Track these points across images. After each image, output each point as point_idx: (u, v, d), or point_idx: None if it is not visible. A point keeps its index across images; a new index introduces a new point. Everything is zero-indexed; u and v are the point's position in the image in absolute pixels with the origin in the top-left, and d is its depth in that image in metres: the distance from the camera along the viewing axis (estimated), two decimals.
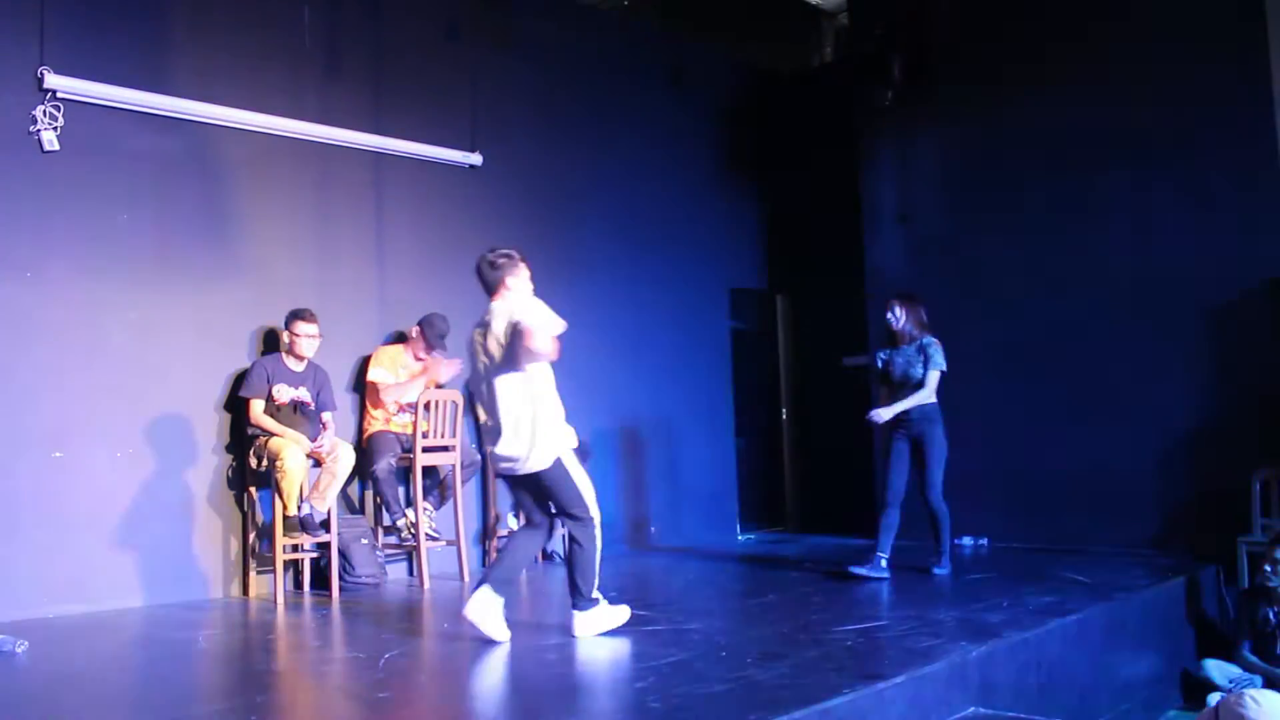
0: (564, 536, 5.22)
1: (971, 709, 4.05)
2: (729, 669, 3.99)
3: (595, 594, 4.69)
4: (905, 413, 6.42)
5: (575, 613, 4.69)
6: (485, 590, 4.59)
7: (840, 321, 9.34)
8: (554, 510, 4.79)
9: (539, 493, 4.78)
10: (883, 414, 6.45)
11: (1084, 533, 7.34)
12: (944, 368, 6.45)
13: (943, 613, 5.08)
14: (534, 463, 4.63)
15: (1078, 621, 4.95)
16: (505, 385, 4.66)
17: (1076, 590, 5.62)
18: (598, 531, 4.72)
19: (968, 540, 7.76)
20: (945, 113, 8.39)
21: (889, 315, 6.61)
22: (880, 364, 6.67)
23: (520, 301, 4.73)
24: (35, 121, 5.65)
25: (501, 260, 4.80)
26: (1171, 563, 6.55)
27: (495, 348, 4.67)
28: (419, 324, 6.86)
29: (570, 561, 4.74)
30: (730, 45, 9.73)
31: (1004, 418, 7.83)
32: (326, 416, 6.35)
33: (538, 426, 4.63)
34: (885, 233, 8.78)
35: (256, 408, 6.10)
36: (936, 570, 6.42)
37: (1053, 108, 7.78)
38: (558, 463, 4.67)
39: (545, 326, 4.58)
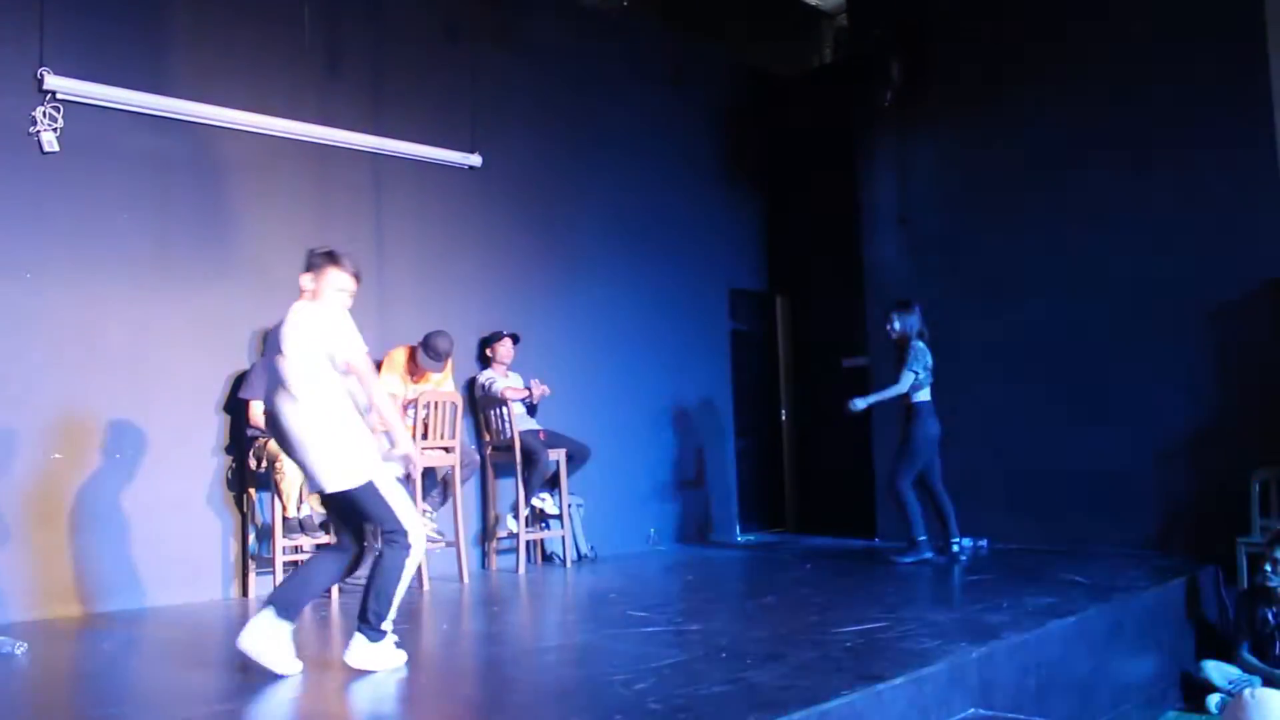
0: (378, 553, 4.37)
1: (971, 710, 4.05)
2: (729, 670, 3.99)
3: (387, 626, 4.17)
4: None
5: (358, 634, 4.15)
6: (267, 615, 4.07)
7: (840, 323, 9.34)
8: (381, 531, 4.20)
9: (348, 513, 4.25)
10: (857, 404, 7.14)
11: (1083, 533, 7.34)
12: (916, 370, 7.01)
13: (942, 614, 5.08)
14: (338, 481, 4.12)
15: (1077, 622, 4.94)
16: (305, 396, 4.14)
17: (1076, 591, 5.62)
18: (412, 560, 4.17)
19: (967, 541, 7.73)
20: (944, 113, 8.40)
21: (887, 326, 7.24)
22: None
23: (330, 317, 4.21)
24: (35, 123, 5.65)
25: (317, 260, 4.35)
26: (1171, 563, 6.54)
27: (296, 355, 4.14)
28: (419, 343, 6.83)
29: (371, 580, 4.17)
30: (730, 46, 9.73)
31: (1004, 419, 7.83)
32: None
33: (341, 442, 4.13)
34: (885, 234, 8.78)
35: (256, 409, 6.10)
36: (898, 560, 6.96)
37: (1052, 108, 7.78)
38: (367, 483, 4.12)
39: (380, 382, 4.29)
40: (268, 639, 4.04)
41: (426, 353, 6.75)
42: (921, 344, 7.09)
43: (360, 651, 4.13)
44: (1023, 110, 7.95)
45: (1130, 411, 7.26)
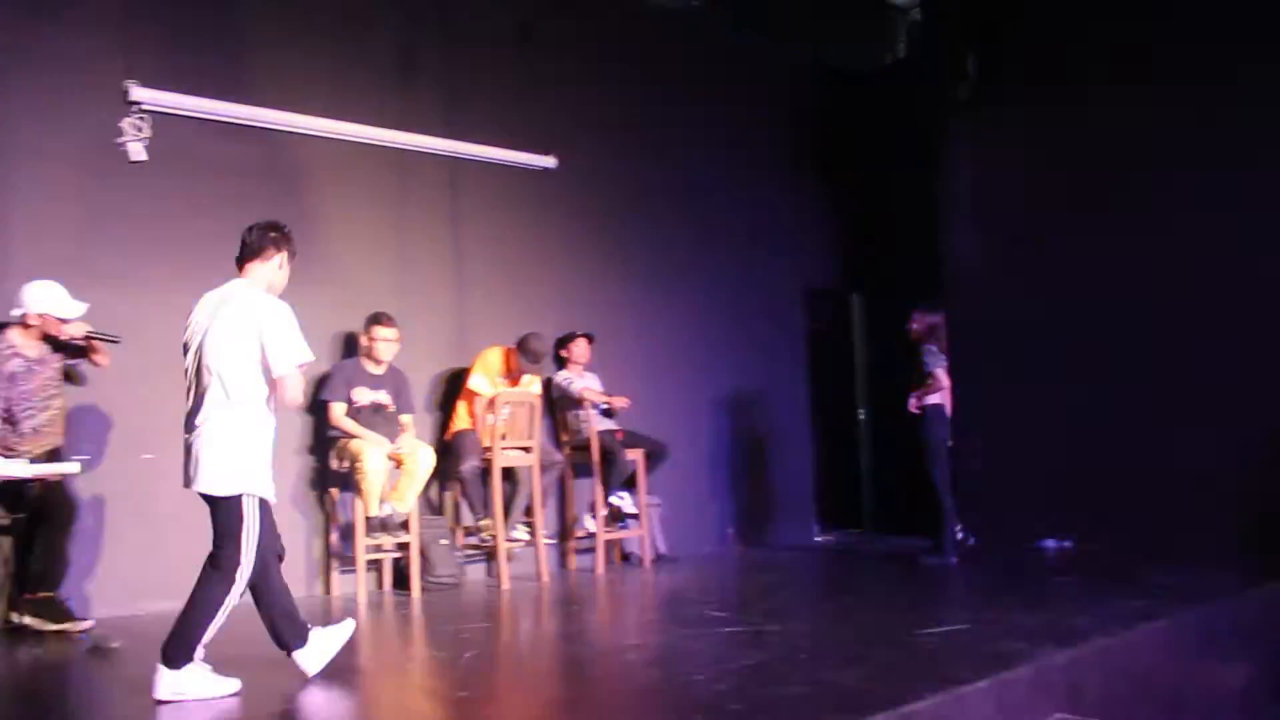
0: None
1: (1057, 715, 3.96)
2: (809, 671, 3.96)
3: (192, 652, 3.77)
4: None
5: (161, 667, 3.74)
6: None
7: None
8: (221, 542, 3.87)
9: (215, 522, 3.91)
10: (913, 403, 7.31)
11: (1173, 536, 7.13)
12: (933, 369, 7.26)
13: (1026, 616, 4.98)
14: (215, 484, 3.85)
15: (1168, 627, 4.81)
16: (218, 386, 3.88)
17: (1166, 595, 5.47)
18: (232, 596, 3.82)
19: (1051, 542, 7.62)
20: (1024, 108, 8.23)
21: (912, 325, 7.45)
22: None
23: (269, 310, 3.94)
24: (122, 133, 5.81)
25: (273, 234, 4.06)
26: (1266, 568, 6.33)
27: (224, 342, 3.86)
28: (516, 345, 6.89)
29: (191, 604, 3.79)
30: (802, 43, 9.64)
31: (1088, 419, 7.64)
32: (405, 419, 6.42)
33: (239, 443, 3.85)
34: (963, 231, 8.64)
35: (336, 410, 6.19)
36: (930, 560, 7.05)
37: (1137, 103, 7.57)
38: (242, 498, 3.85)
39: (298, 381, 3.92)
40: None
41: (525, 356, 6.80)
42: (935, 347, 7.34)
43: (169, 682, 3.72)
44: (1106, 103, 7.75)
45: (1222, 412, 7.03)
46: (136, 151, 5.82)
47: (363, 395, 6.25)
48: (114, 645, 4.77)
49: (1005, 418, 8.13)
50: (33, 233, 5.56)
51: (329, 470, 6.31)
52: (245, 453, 3.86)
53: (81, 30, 5.77)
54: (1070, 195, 7.93)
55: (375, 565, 6.49)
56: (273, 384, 3.90)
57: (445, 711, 3.82)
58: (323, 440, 6.36)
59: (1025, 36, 8.21)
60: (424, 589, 6.31)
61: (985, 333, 8.30)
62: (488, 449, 6.59)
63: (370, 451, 5.97)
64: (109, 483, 5.60)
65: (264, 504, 3.92)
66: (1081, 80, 7.90)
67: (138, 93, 5.83)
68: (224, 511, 3.86)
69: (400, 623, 5.56)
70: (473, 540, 6.82)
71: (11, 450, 5.10)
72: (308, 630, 4.06)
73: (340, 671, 4.10)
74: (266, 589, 3.99)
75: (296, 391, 3.94)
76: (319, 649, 4.06)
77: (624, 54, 8.24)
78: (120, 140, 5.81)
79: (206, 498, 3.89)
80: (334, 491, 6.36)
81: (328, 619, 5.57)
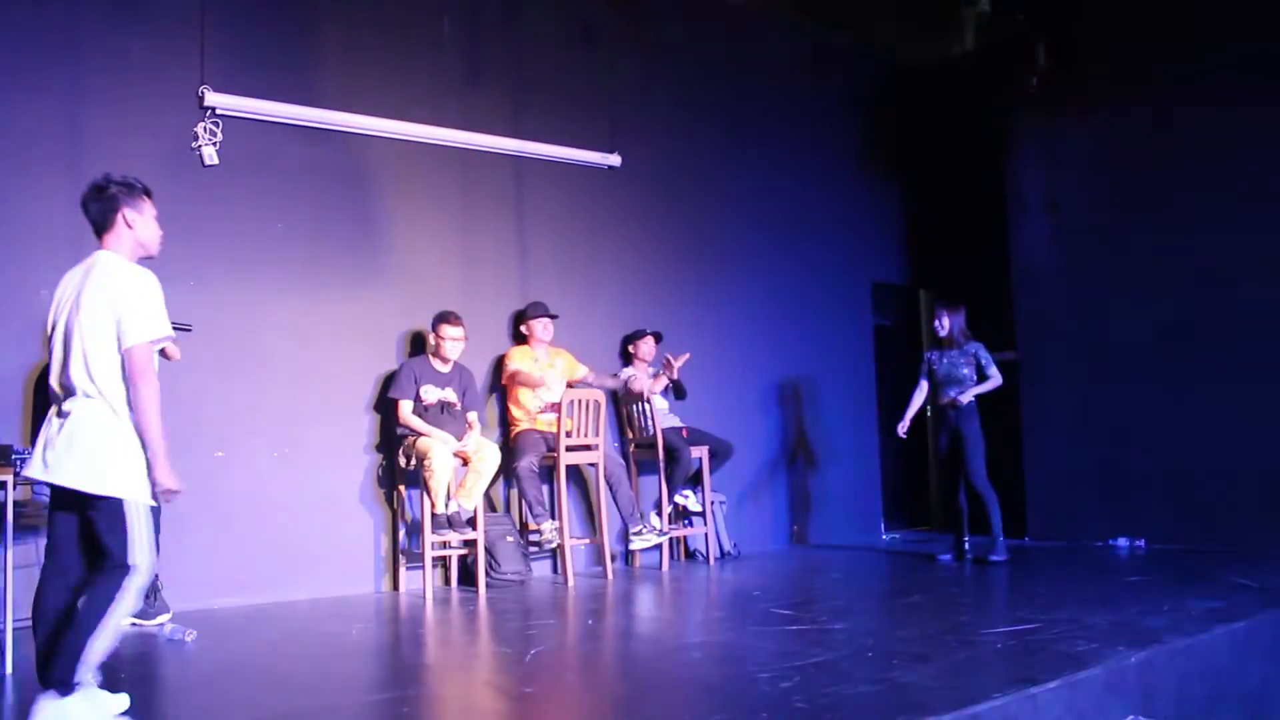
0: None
1: (1131, 717, 3.89)
2: (876, 670, 3.93)
3: (89, 674, 3.29)
4: (946, 409, 7.10)
5: (47, 695, 3.25)
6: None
7: (985, 315, 9.08)
8: (105, 549, 3.35)
9: (85, 524, 3.41)
10: (962, 400, 7.01)
11: (1252, 536, 6.98)
12: (991, 368, 7.06)
13: (1098, 615, 4.89)
14: (92, 481, 3.33)
15: (1247, 628, 4.70)
16: (85, 371, 3.39)
17: (1244, 595, 5.35)
18: (123, 604, 3.32)
19: (1123, 541, 7.49)
20: (1095, 98, 8.09)
21: (936, 323, 7.26)
22: (927, 363, 7.31)
23: (128, 282, 3.45)
24: (196, 138, 5.94)
25: (116, 189, 3.55)
26: None
27: (88, 321, 3.40)
28: (527, 319, 6.95)
29: (80, 618, 3.27)
30: (867, 36, 9.57)
31: (1164, 416, 7.50)
32: (472, 416, 6.49)
33: (125, 443, 3.40)
34: (1032, 223, 8.52)
35: (405, 408, 6.27)
36: (993, 558, 6.85)
37: (1212, 88, 7.41)
38: (129, 502, 3.36)
39: (147, 358, 3.41)
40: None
41: (535, 313, 6.87)
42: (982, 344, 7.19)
43: (56, 713, 3.22)
44: (1180, 91, 7.60)
45: None
46: (210, 155, 5.96)
47: (430, 394, 6.33)
48: (188, 638, 4.88)
49: (1076, 415, 8.02)
50: None
51: (396, 468, 6.39)
52: (121, 449, 3.39)
53: (158, 39, 5.91)
54: (1141, 189, 7.78)
55: (442, 562, 6.57)
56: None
57: (511, 707, 3.85)
58: (390, 438, 6.45)
59: (1094, 28, 8.07)
60: (490, 585, 6.37)
61: (1054, 329, 8.18)
62: (552, 451, 6.63)
63: (438, 449, 6.03)
64: (182, 480, 5.69)
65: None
66: (1152, 71, 7.75)
67: (212, 98, 5.96)
68: (105, 513, 3.36)
69: (466, 619, 5.61)
70: (534, 539, 6.85)
71: None
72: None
73: (408, 668, 4.15)
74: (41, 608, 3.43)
75: (145, 369, 3.39)
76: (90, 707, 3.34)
77: (687, 51, 8.23)
78: (195, 145, 5.95)
79: (79, 494, 3.36)
80: (401, 489, 6.44)
81: (396, 614, 5.69)
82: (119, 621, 3.31)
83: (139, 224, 3.58)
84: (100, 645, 3.27)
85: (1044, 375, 7.68)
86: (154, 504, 3.45)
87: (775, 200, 8.66)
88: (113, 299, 3.39)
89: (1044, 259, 8.38)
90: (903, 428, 7.32)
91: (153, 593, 5.27)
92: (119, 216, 3.54)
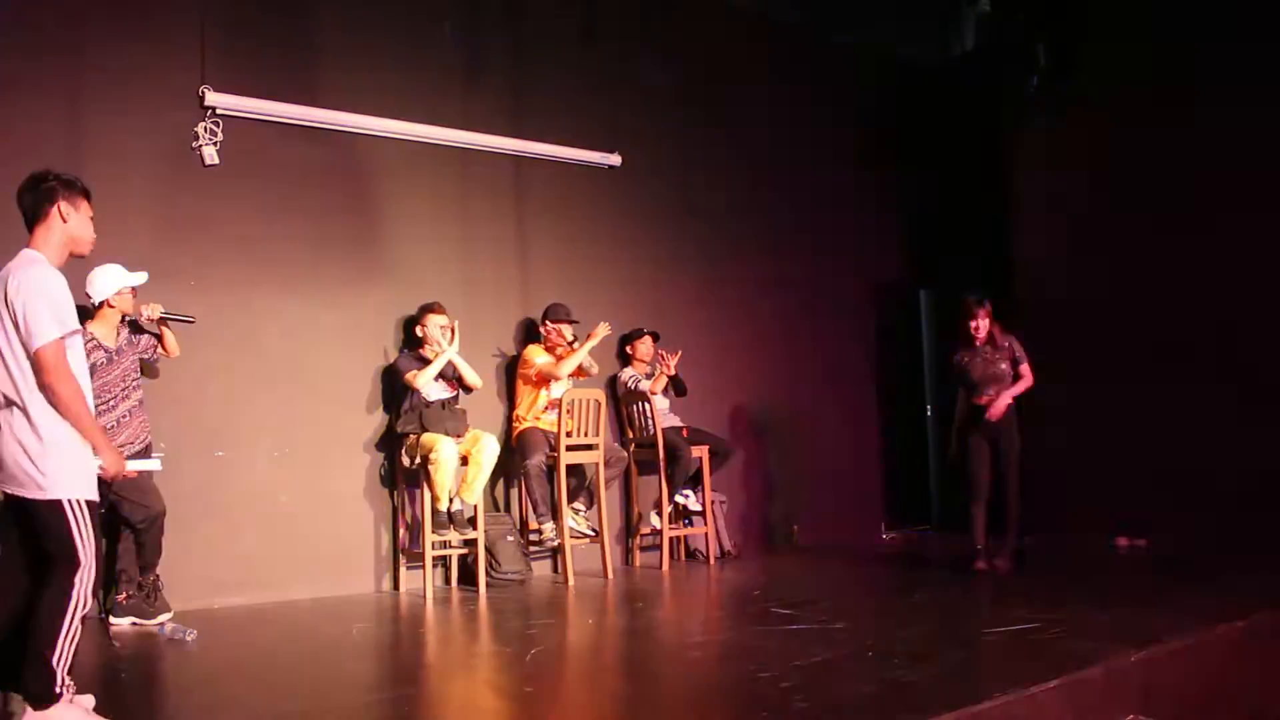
0: None
1: (1131, 717, 3.89)
2: (877, 669, 3.93)
3: (60, 683, 3.24)
4: (983, 411, 6.54)
5: (27, 710, 3.24)
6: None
7: None
8: (50, 550, 3.31)
9: (29, 529, 3.36)
10: (999, 405, 6.51)
11: (1253, 536, 6.98)
12: (1025, 363, 6.62)
13: (1099, 615, 4.90)
14: (29, 488, 3.29)
15: (1246, 628, 4.70)
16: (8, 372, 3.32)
17: (1244, 595, 5.35)
18: (77, 600, 3.27)
19: (1123, 542, 7.49)
20: (1096, 98, 8.09)
21: (972, 324, 6.69)
22: (958, 367, 6.78)
23: (23, 277, 3.31)
24: (197, 138, 5.94)
25: (55, 182, 3.46)
26: None
27: (9, 320, 3.31)
28: (547, 322, 6.94)
29: (37, 620, 3.24)
30: (868, 37, 9.57)
31: (1165, 416, 7.51)
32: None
33: (69, 442, 3.32)
34: (1034, 225, 8.52)
35: (422, 377, 6.21)
36: (998, 562, 6.49)
37: (1211, 90, 7.41)
38: (69, 500, 3.30)
39: (57, 357, 3.27)
40: None
41: (555, 318, 6.86)
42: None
43: None
44: (1180, 91, 7.60)
45: None
46: (210, 155, 5.95)
47: (430, 392, 6.31)
48: (189, 638, 4.88)
49: (1076, 415, 8.02)
50: (110, 233, 5.62)
51: (397, 467, 6.39)
52: (55, 448, 3.31)
53: (159, 39, 5.91)
54: (1141, 189, 7.78)
55: (442, 561, 6.57)
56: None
57: (512, 706, 3.86)
58: (391, 438, 6.44)
59: (1094, 28, 8.08)
60: (490, 585, 6.37)
61: (1055, 328, 8.18)
62: (554, 450, 6.63)
63: (444, 441, 6.03)
64: (183, 480, 5.71)
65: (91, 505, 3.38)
66: (1152, 71, 7.75)
67: (212, 98, 5.96)
68: (45, 515, 3.31)
69: (466, 618, 5.61)
70: (534, 538, 6.85)
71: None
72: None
73: (408, 668, 4.15)
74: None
75: (59, 371, 3.27)
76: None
77: (688, 51, 8.23)
78: (195, 144, 5.94)
79: (21, 500, 3.33)
80: (402, 488, 6.43)
81: (396, 614, 5.69)
82: (78, 621, 3.27)
83: (73, 219, 3.48)
84: (68, 648, 3.24)
85: (1044, 375, 7.63)
86: (93, 499, 3.39)
87: (775, 201, 8.66)
88: (14, 299, 3.28)
89: (1044, 259, 8.38)
90: (998, 406, 6.52)
91: (153, 592, 5.27)
92: (54, 209, 3.44)
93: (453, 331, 6.30)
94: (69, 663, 3.26)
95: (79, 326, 3.43)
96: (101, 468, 3.40)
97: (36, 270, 3.34)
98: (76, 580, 3.27)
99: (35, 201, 3.45)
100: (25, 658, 3.22)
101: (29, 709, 3.21)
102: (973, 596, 5.80)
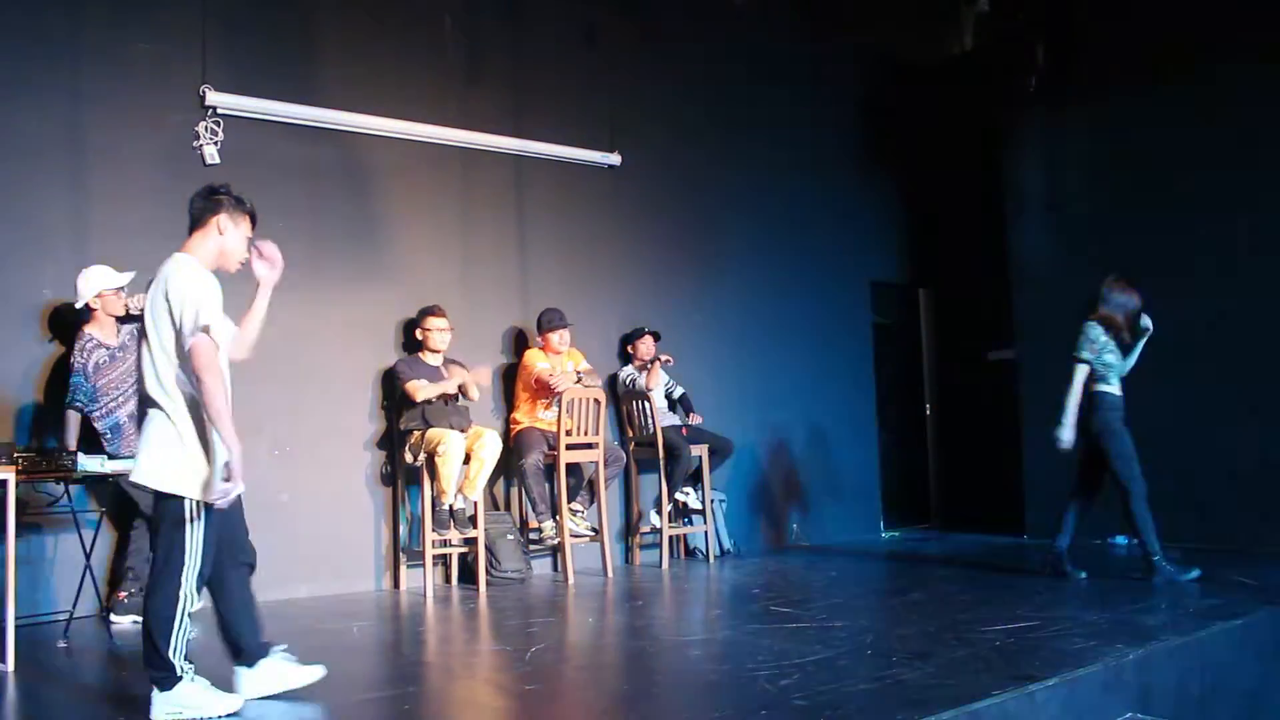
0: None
1: (1129, 715, 3.90)
2: (875, 667, 3.94)
3: (178, 665, 3.57)
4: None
5: (154, 691, 3.54)
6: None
7: (984, 314, 9.12)
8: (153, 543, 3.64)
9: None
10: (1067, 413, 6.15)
11: (1251, 535, 6.99)
12: (1080, 355, 6.22)
13: (1096, 613, 4.91)
14: (154, 477, 3.51)
15: (1244, 626, 4.71)
16: (157, 370, 3.54)
17: (1243, 593, 5.37)
18: (189, 594, 3.62)
19: (1121, 540, 7.49)
20: (1093, 97, 8.10)
21: (1142, 316, 6.20)
22: (1102, 354, 6.33)
23: (186, 274, 3.56)
24: (197, 137, 5.95)
25: (212, 200, 3.70)
26: None
27: (160, 318, 3.55)
28: (544, 332, 6.94)
29: (145, 615, 3.61)
30: (867, 36, 9.58)
31: (1161, 415, 7.47)
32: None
33: (181, 434, 3.51)
34: (1032, 223, 8.54)
35: (420, 388, 6.23)
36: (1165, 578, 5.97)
37: (1210, 90, 7.43)
38: (184, 500, 3.51)
39: (207, 349, 3.47)
40: (274, 678, 3.82)
41: (549, 323, 6.87)
42: (1098, 326, 6.24)
43: (162, 705, 3.52)
44: (1180, 91, 7.60)
45: None
46: (211, 155, 5.96)
47: (430, 390, 6.31)
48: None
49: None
50: (110, 232, 5.70)
51: (398, 465, 6.40)
52: (181, 447, 3.51)
53: (160, 38, 5.92)
54: (1141, 188, 7.79)
55: (442, 560, 6.58)
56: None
57: (513, 705, 3.87)
58: (392, 436, 6.46)
59: (1094, 28, 8.08)
60: (490, 583, 6.38)
61: (1054, 329, 8.16)
62: (553, 449, 6.64)
63: (451, 435, 6.04)
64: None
65: (209, 507, 3.56)
66: (1151, 71, 7.75)
67: (213, 98, 5.97)
68: (163, 509, 3.54)
69: (467, 617, 5.63)
70: (534, 537, 6.86)
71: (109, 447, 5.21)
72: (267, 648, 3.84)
73: (408, 666, 4.16)
74: (224, 597, 3.84)
75: (208, 360, 3.45)
76: (270, 676, 3.82)
77: (686, 50, 8.24)
78: (196, 144, 5.96)
79: (143, 489, 3.59)
80: (402, 486, 6.45)
81: (396, 612, 5.71)
82: (178, 611, 3.57)
83: (230, 234, 3.71)
84: (171, 642, 3.56)
85: (1044, 374, 7.63)
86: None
87: (775, 199, 8.67)
88: (173, 297, 3.49)
89: (1044, 258, 8.39)
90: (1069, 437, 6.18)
91: None
92: (215, 219, 3.66)
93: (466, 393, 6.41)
94: (180, 649, 3.54)
95: (234, 326, 3.70)
96: (227, 465, 3.51)
97: (191, 271, 3.56)
98: (183, 579, 3.53)
99: (202, 209, 3.68)
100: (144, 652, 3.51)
101: (154, 692, 3.50)
102: (972, 595, 5.81)
